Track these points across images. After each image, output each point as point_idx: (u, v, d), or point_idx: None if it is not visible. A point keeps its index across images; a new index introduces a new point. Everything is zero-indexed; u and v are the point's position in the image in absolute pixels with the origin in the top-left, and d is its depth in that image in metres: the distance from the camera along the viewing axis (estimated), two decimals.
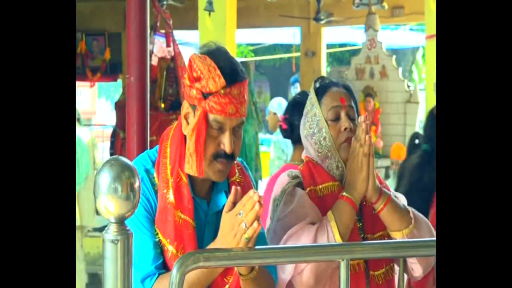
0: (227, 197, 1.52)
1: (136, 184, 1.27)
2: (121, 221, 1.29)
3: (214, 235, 1.52)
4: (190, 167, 1.53)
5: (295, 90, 11.91)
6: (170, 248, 1.55)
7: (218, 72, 1.48)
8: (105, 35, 7.04)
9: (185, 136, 1.58)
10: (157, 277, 1.53)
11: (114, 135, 5.07)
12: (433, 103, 4.22)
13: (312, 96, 1.84)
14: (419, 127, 5.83)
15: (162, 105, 4.55)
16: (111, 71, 7.11)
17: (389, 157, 5.88)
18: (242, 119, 1.54)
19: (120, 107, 4.66)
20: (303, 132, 1.86)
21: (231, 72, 1.50)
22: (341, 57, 13.01)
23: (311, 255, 1.52)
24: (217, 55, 1.53)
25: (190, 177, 1.57)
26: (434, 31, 4.52)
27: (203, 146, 1.51)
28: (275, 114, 5.66)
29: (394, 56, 6.45)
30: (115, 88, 10.82)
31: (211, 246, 1.48)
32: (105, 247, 1.27)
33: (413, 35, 10.31)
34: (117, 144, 4.79)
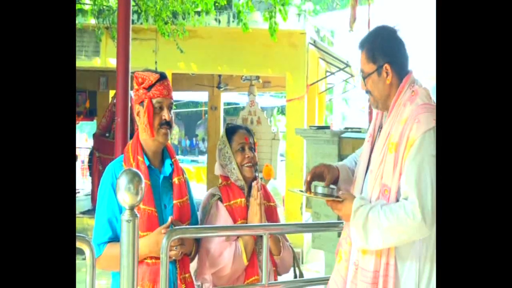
0: (171, 167, 2.37)
1: (142, 185, 1.90)
2: (132, 208, 1.90)
3: (166, 191, 2.34)
4: (147, 133, 2.31)
5: (199, 130, 22.52)
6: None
7: (154, 74, 2.32)
8: (86, 92, 11.52)
9: (137, 137, 2.35)
10: (107, 243, 2.23)
11: (91, 153, 8.92)
12: (289, 141, 7.99)
13: (223, 136, 2.57)
14: (279, 155, 9.09)
15: None
16: (90, 115, 11.77)
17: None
18: (172, 99, 2.36)
19: (96, 136, 8.67)
20: (219, 161, 2.60)
21: (161, 74, 2.35)
22: (233, 111, 19.23)
23: (238, 229, 2.44)
24: (152, 70, 2.39)
25: (145, 156, 2.33)
26: (291, 97, 8.39)
27: (152, 119, 2.29)
28: None
29: (264, 111, 9.90)
30: (91, 126, 16.77)
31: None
32: (122, 225, 1.91)
33: (275, 99, 17.26)
34: (94, 158, 8.58)
